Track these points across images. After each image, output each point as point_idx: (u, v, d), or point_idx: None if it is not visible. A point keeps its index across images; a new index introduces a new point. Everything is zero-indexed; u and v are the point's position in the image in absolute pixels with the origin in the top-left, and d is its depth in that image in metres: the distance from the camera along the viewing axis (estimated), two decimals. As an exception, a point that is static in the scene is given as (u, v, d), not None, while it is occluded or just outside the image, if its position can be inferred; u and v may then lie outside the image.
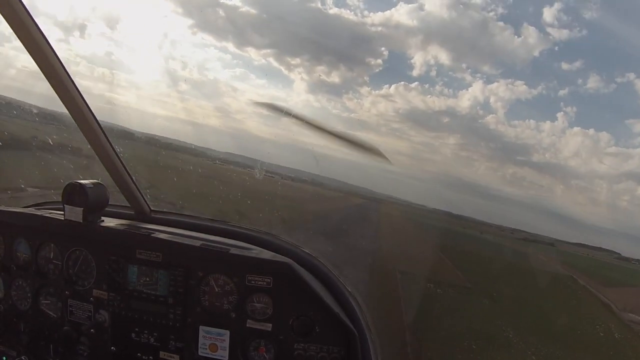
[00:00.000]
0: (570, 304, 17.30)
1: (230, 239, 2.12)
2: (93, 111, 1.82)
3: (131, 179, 2.10)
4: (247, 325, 1.91)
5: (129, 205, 2.22)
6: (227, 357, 1.93)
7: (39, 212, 2.18)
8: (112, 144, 1.95)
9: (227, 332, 1.92)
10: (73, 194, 1.97)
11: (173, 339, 1.95)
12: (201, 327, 1.94)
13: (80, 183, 1.95)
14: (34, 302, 2.12)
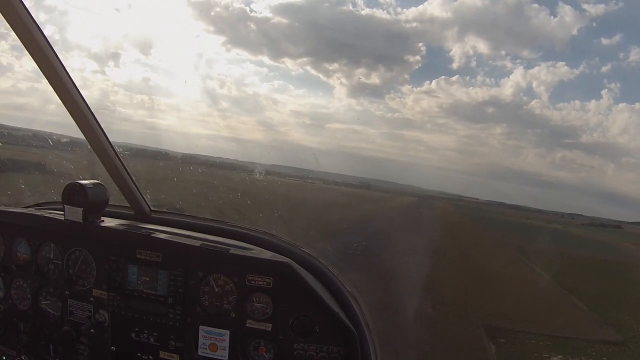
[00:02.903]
0: None
1: (230, 239, 2.12)
2: (93, 111, 1.82)
3: (131, 179, 2.10)
4: (247, 325, 1.91)
5: (129, 205, 2.22)
6: (227, 357, 1.93)
7: (39, 212, 2.18)
8: (112, 144, 1.95)
9: (227, 332, 1.92)
10: (73, 194, 1.97)
11: (173, 339, 1.95)
12: (201, 327, 1.94)
13: (80, 183, 1.96)
14: (34, 302, 2.12)
